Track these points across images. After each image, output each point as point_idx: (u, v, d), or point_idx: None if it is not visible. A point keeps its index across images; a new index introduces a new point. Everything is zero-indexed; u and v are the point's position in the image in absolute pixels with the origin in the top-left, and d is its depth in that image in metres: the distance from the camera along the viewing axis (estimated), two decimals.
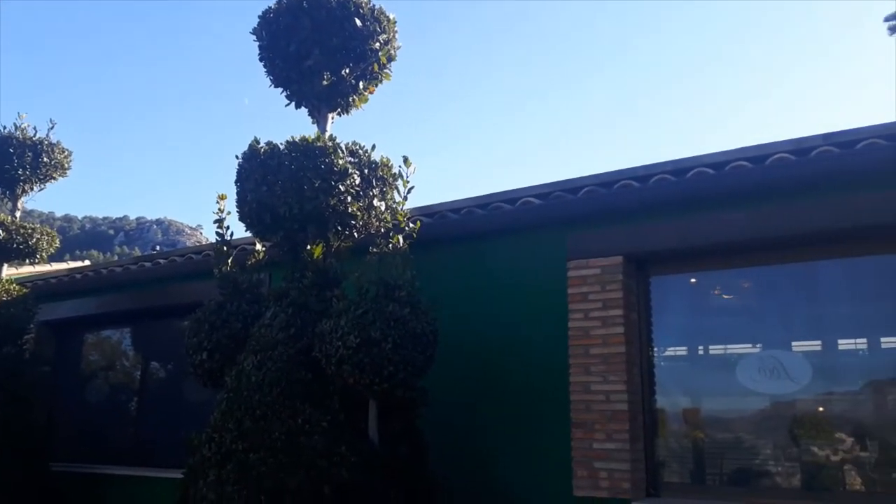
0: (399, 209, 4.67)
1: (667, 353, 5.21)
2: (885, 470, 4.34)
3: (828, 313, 4.79)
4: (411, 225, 4.63)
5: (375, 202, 4.62)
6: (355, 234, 4.68)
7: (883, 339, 4.61)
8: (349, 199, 4.51)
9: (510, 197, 5.03)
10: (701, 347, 5.15)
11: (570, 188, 4.81)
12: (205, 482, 4.09)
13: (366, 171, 4.65)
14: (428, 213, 5.32)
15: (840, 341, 4.88)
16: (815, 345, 4.85)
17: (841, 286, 4.71)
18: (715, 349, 5.07)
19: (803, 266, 4.67)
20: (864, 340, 4.80)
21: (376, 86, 5.25)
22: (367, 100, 5.25)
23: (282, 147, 4.64)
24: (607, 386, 4.53)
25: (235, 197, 4.75)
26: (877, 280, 4.50)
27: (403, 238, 4.51)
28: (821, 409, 4.71)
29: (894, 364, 4.43)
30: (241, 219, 4.74)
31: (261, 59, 5.17)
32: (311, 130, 4.93)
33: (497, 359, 5.00)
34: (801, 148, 4.16)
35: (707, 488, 4.64)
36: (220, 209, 5.10)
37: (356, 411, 4.35)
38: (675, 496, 4.48)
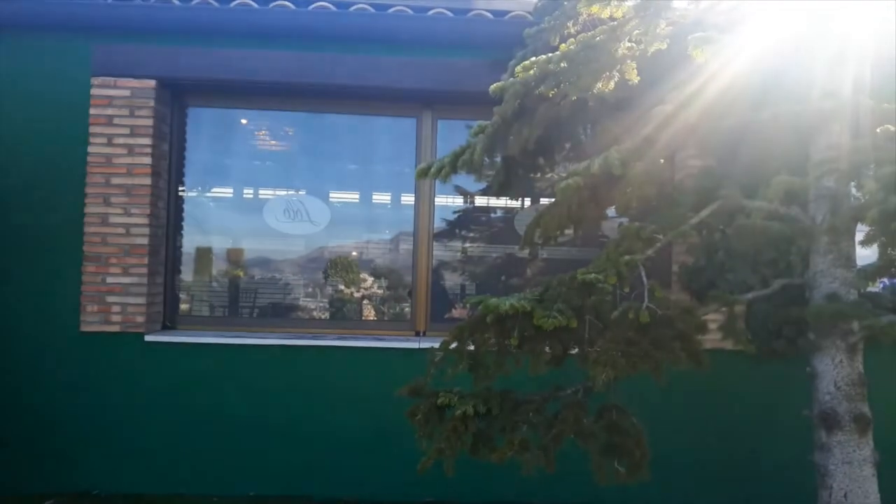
0: None
1: (212, 193, 5.13)
2: (392, 303, 5.16)
3: (365, 168, 5.24)
4: None
5: None
6: None
7: (403, 196, 5.26)
8: None
9: None
10: (249, 190, 5.19)
11: None
12: None
13: None
14: None
15: (374, 195, 5.46)
16: (352, 196, 5.32)
17: (378, 143, 5.14)
18: (264, 192, 5.16)
19: (346, 119, 4.94)
20: (389, 195, 5.44)
21: None
22: None
23: None
24: (128, 219, 4.25)
25: None
26: (403, 142, 5.00)
27: None
28: (354, 253, 5.29)
29: (409, 218, 5.07)
30: None
31: None
32: None
33: None
34: (343, 1, 4.21)
35: (231, 320, 4.85)
36: None
37: None
38: (192, 328, 4.57)
